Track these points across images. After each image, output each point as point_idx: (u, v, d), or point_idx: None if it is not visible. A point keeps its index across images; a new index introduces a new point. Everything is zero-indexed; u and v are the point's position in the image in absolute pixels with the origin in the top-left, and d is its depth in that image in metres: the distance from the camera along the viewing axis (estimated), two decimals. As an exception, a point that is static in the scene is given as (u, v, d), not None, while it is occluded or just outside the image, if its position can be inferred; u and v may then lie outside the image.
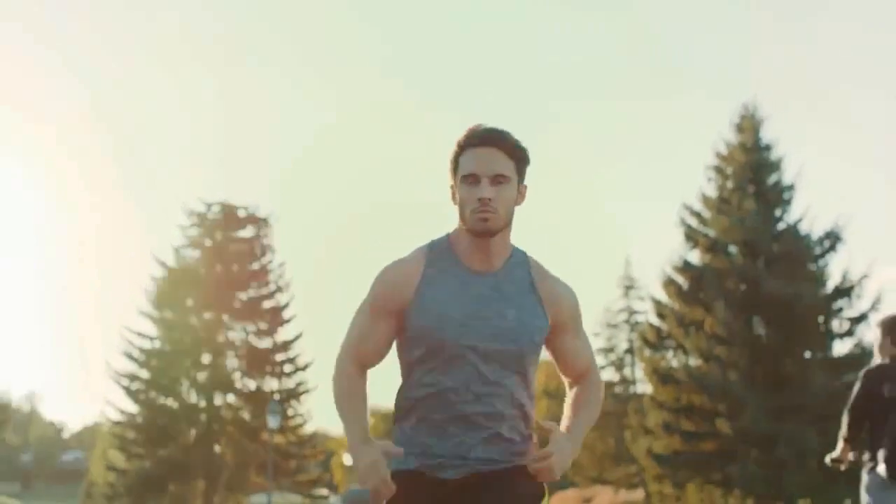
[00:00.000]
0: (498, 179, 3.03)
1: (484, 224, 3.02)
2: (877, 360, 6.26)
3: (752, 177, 29.43)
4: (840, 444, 6.26)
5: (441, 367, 3.06)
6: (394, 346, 3.17)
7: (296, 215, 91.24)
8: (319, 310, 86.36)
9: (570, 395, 3.29)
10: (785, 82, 72.43)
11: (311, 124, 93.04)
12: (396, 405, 3.16)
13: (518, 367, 3.08)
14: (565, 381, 3.31)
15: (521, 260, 3.16)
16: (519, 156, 3.08)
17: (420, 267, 3.11)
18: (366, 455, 2.98)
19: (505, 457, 3.08)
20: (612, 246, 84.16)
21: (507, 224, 3.09)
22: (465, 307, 3.05)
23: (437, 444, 3.08)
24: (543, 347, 3.20)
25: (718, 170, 30.59)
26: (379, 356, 3.16)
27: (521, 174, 3.10)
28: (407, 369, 3.13)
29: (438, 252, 3.14)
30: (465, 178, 3.04)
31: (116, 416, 36.00)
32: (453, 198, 3.12)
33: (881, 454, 5.98)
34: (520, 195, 3.12)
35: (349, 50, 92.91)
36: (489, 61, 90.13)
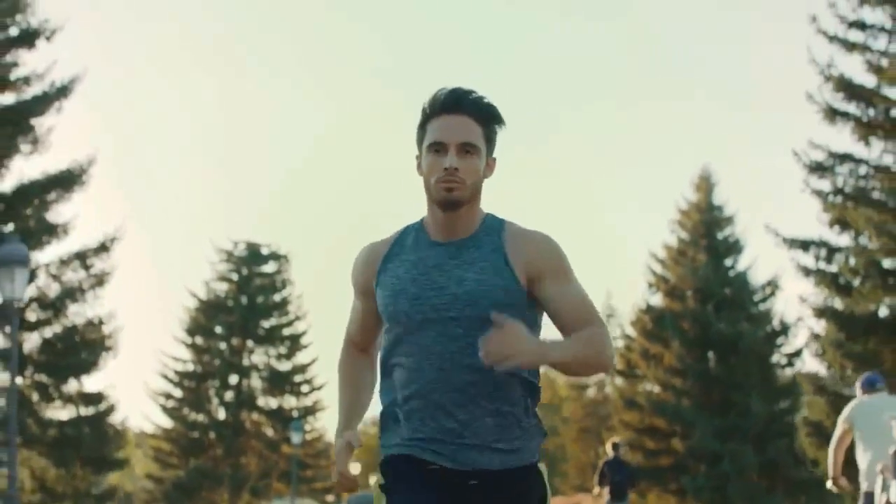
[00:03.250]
0: (465, 148, 2.99)
1: (448, 194, 2.98)
2: (610, 454, 15.68)
3: (704, 233, 36.69)
4: (597, 488, 15.63)
5: (406, 346, 3.06)
6: None
7: (299, 220, 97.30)
8: (333, 337, 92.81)
9: None
10: (784, 83, 78.70)
11: (311, 131, 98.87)
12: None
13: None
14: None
15: (494, 226, 3.09)
16: (488, 120, 3.05)
17: (386, 247, 3.14)
18: (336, 446, 3.14)
19: (496, 450, 3.02)
20: (611, 249, 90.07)
21: (474, 196, 3.05)
22: (421, 279, 3.04)
23: (418, 430, 3.05)
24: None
25: (679, 223, 37.86)
26: (370, 335, 3.27)
27: (490, 142, 3.06)
28: (384, 364, 3.17)
29: (409, 231, 3.15)
30: (430, 147, 3.01)
31: (153, 430, 43.14)
32: (419, 168, 3.08)
33: (607, 489, 15.24)
34: (488, 167, 3.08)
35: (350, 56, 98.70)
36: (489, 68, 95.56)
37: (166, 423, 42.89)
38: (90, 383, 23.27)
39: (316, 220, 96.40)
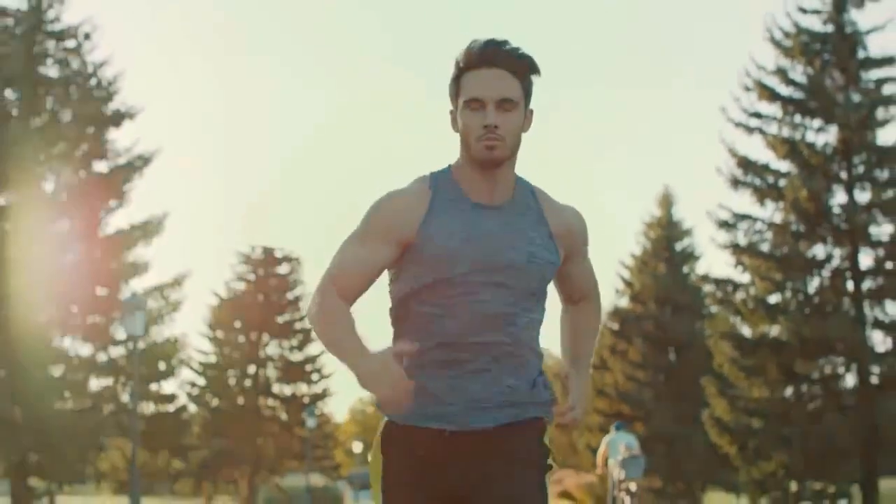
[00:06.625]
0: (504, 105, 3.12)
1: (490, 153, 3.11)
2: None
3: (664, 245, 45.20)
4: None
5: (447, 303, 3.18)
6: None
7: (307, 224, 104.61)
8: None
9: (566, 316, 3.57)
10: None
11: (312, 118, 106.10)
12: (394, 350, 3.10)
13: (529, 304, 3.24)
14: (561, 298, 3.53)
15: (526, 189, 3.30)
16: (526, 73, 3.17)
17: (426, 197, 3.21)
18: (373, 361, 3.01)
19: (518, 405, 3.23)
20: (608, 235, 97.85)
21: (514, 153, 3.19)
22: (476, 240, 3.16)
23: (443, 392, 3.18)
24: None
25: (644, 234, 46.36)
26: (366, 285, 3.25)
27: (527, 94, 3.19)
28: (405, 308, 3.26)
29: (442, 184, 3.23)
30: (468, 103, 3.13)
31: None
32: (454, 124, 3.21)
33: None
34: (526, 120, 3.21)
35: (347, 39, 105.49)
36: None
37: (191, 408, 51.02)
38: (167, 386, 31.96)
39: (324, 221, 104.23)
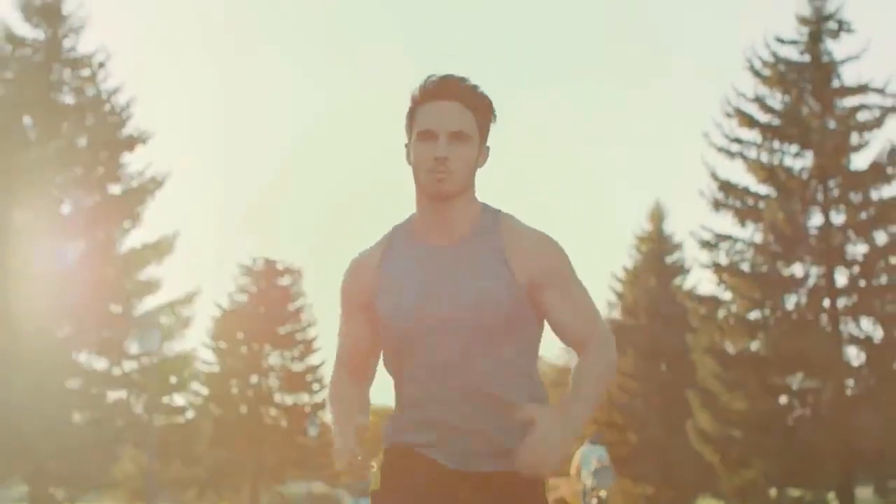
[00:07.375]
0: (456, 136, 3.07)
1: (439, 186, 3.08)
2: None
3: (655, 259, 47.18)
4: None
5: (406, 359, 3.17)
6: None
7: (300, 226, 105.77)
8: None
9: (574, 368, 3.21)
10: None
11: (315, 127, 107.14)
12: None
13: (491, 344, 3.09)
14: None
15: (491, 224, 3.17)
16: (481, 108, 3.13)
17: (378, 254, 3.23)
18: (341, 436, 3.16)
19: (497, 456, 3.13)
20: (603, 248, 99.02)
21: (467, 187, 3.14)
22: (420, 287, 3.13)
23: (422, 438, 3.17)
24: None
25: (636, 247, 48.34)
26: (370, 357, 3.36)
27: (483, 130, 3.14)
28: (389, 371, 3.30)
29: (400, 233, 3.23)
30: (420, 135, 3.09)
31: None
32: (408, 157, 3.16)
33: None
34: (481, 156, 3.16)
35: (352, 47, 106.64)
36: (480, 43, 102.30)
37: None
38: (177, 399, 33.96)
39: (325, 233, 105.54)
